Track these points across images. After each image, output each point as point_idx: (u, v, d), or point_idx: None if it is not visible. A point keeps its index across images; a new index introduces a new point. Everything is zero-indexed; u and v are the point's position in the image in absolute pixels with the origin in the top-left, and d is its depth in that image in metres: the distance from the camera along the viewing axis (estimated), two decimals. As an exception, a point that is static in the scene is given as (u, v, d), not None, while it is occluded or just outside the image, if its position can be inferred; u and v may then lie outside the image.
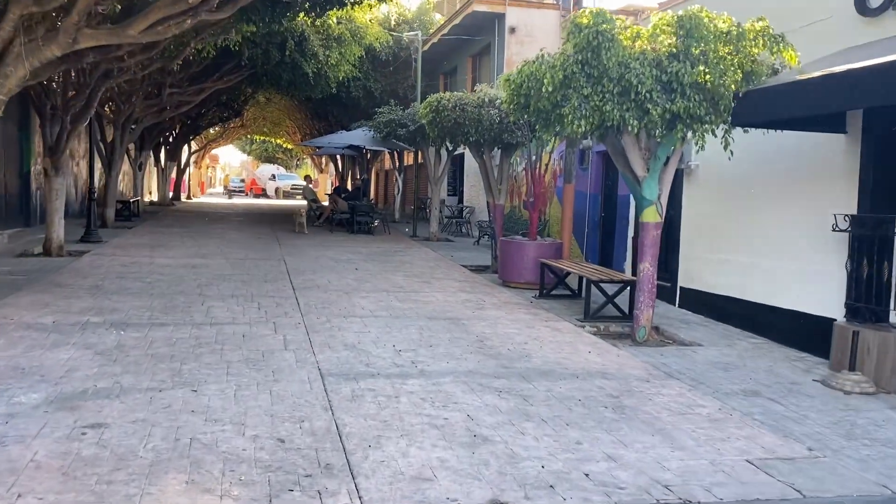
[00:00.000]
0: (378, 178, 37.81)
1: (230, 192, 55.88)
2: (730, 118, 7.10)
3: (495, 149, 13.65)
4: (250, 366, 6.14)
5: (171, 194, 31.13)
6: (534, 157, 12.20)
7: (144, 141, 22.87)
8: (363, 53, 21.04)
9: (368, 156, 24.45)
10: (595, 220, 13.37)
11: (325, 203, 22.93)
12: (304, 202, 22.94)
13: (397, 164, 25.70)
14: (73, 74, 12.00)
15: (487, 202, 13.84)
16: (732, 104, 6.99)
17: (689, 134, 7.41)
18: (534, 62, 7.76)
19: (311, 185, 23.88)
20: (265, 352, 6.63)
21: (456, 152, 18.33)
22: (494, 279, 11.96)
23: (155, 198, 30.26)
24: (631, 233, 11.63)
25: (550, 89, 7.11)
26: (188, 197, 38.04)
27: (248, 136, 48.92)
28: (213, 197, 49.44)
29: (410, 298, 9.83)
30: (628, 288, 9.27)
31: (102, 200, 16.72)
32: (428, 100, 13.75)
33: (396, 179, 26.82)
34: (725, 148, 7.31)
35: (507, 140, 12.57)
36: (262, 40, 16.09)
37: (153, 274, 10.76)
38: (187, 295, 9.22)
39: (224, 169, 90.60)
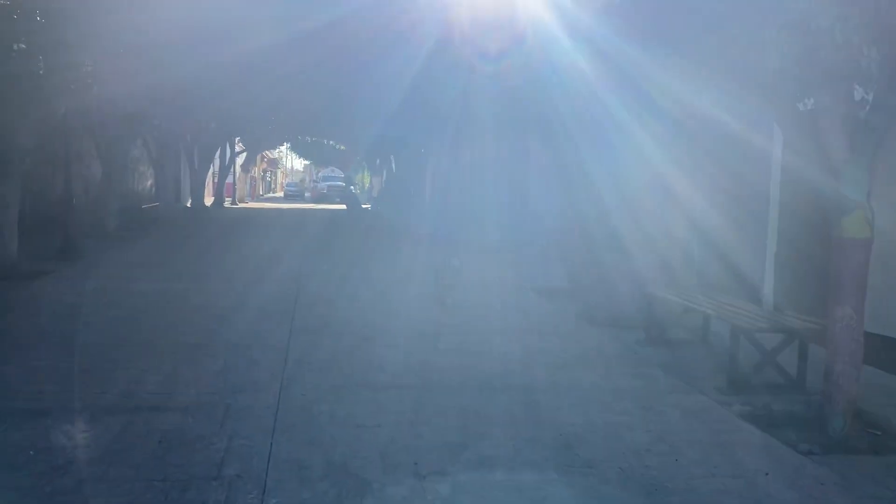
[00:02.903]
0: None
1: (288, 196, 54.42)
2: None
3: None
4: (120, 536, 3.11)
5: (210, 199, 28.84)
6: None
7: (167, 139, 20.43)
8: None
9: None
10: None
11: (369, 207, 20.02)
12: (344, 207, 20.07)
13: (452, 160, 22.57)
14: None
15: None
16: None
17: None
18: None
19: (352, 187, 20.95)
20: (176, 485, 3.60)
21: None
22: (575, 309, 8.68)
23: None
24: (772, 248, 8.18)
25: None
26: (233, 202, 35.85)
27: (300, 138, 46.63)
28: (265, 202, 47.42)
29: (457, 347, 6.70)
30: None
31: (101, 206, 14.20)
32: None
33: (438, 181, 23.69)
34: None
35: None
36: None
37: (112, 308, 7.94)
38: (131, 345, 6.32)
39: (285, 174, 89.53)
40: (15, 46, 9.46)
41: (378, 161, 42.16)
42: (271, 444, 4.21)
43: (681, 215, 8.56)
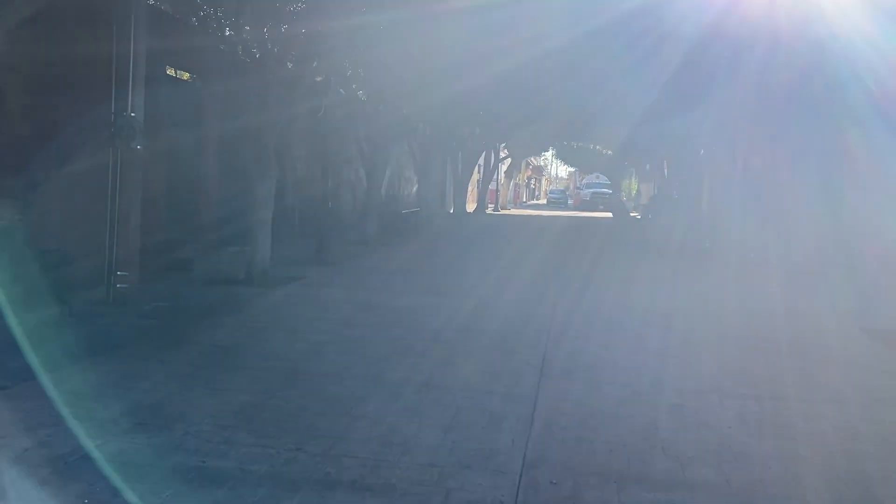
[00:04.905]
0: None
1: (551, 203, 53.86)
2: None
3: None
4: None
5: (473, 205, 28.66)
6: None
7: (432, 145, 20.25)
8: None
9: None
10: None
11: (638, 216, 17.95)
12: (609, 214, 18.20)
13: (741, 164, 19.56)
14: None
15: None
16: None
17: None
18: None
19: (620, 195, 19.01)
20: None
21: None
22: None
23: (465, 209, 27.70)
24: None
25: None
26: (495, 209, 35.63)
27: (566, 143, 45.43)
28: (527, 209, 46.98)
29: (770, 419, 4.68)
30: None
31: (364, 211, 14.04)
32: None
33: (739, 185, 20.61)
34: None
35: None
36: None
37: (344, 325, 7.08)
38: (351, 378, 5.27)
39: (549, 181, 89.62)
40: (275, 49, 9.22)
41: (648, 166, 39.41)
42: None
43: None
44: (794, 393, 5.31)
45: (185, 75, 10.62)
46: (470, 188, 29.38)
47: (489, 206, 33.95)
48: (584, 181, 54.96)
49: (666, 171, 26.84)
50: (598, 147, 43.11)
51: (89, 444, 3.68)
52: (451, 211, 26.51)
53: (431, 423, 4.38)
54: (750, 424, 4.59)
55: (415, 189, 23.00)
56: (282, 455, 3.78)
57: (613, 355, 6.26)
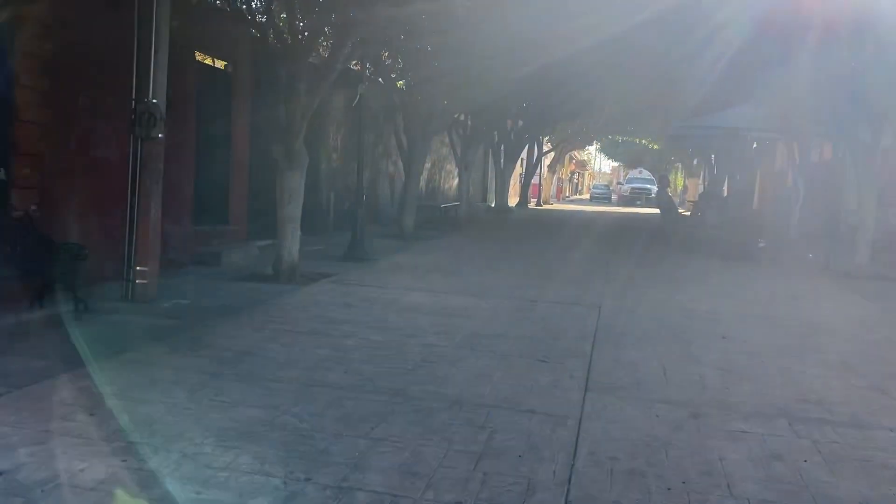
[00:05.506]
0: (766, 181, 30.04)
1: (594, 199, 53.07)
2: None
3: None
4: None
5: (515, 200, 27.98)
6: None
7: (473, 138, 19.66)
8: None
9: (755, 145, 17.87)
10: None
11: (687, 213, 17.16)
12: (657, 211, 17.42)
13: (796, 158, 18.56)
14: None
15: None
16: None
17: None
18: None
19: (668, 190, 18.20)
20: None
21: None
22: None
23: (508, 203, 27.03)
24: None
25: None
26: (538, 203, 34.87)
27: (611, 137, 44.38)
28: (570, 203, 46.09)
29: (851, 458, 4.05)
30: None
31: (400, 205, 13.56)
32: None
33: (794, 182, 19.59)
34: None
35: None
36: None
37: (371, 329, 6.60)
38: (379, 393, 4.78)
39: (593, 176, 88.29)
40: (306, 33, 8.80)
41: (696, 161, 38.17)
42: None
43: None
44: (876, 419, 4.65)
45: (216, 62, 10.26)
46: (512, 182, 28.70)
47: (531, 200, 33.24)
48: (627, 176, 53.89)
49: (714, 166, 25.82)
50: (643, 141, 42.02)
51: (71, 469, 3.26)
52: (493, 205, 25.91)
53: (461, 448, 3.87)
54: (828, 457, 3.97)
55: (455, 183, 22.47)
56: (288, 486, 3.30)
57: (666, 369, 5.65)
